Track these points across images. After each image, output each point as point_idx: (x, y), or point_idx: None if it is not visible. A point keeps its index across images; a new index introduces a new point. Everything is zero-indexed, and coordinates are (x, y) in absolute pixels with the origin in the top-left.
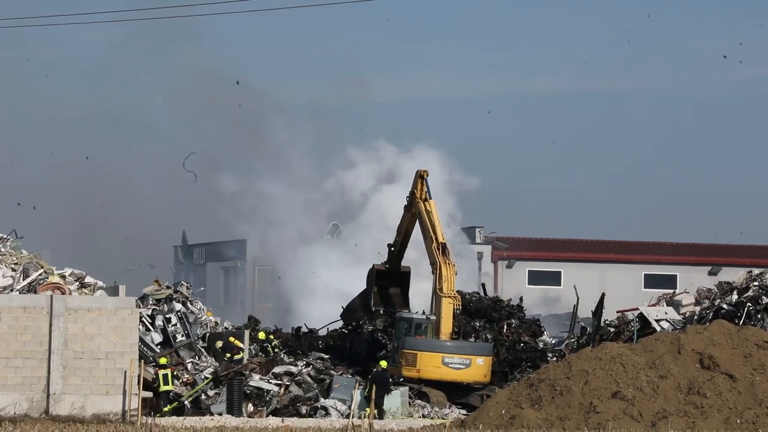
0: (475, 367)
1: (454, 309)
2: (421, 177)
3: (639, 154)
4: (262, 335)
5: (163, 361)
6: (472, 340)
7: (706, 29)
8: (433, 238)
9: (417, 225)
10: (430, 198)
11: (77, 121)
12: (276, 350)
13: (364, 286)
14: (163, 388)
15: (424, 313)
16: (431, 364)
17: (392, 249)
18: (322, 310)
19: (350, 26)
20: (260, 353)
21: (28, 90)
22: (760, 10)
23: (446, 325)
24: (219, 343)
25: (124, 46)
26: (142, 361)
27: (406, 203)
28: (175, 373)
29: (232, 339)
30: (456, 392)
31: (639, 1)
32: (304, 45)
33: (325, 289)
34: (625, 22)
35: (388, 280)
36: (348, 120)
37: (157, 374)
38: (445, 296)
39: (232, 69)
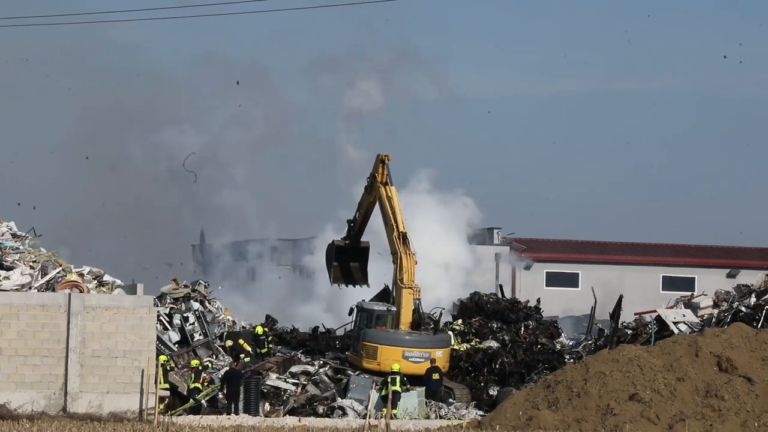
0: (435, 360)
1: (413, 300)
2: (382, 162)
3: (656, 156)
4: (259, 330)
5: (194, 363)
6: (429, 331)
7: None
8: (394, 227)
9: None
10: (391, 184)
11: (77, 121)
12: (271, 346)
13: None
14: (192, 385)
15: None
16: (391, 358)
17: (351, 224)
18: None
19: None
20: (254, 344)
21: (28, 90)
22: (759, 10)
23: (406, 316)
24: (229, 342)
25: (124, 45)
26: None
27: (366, 184)
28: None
29: (241, 341)
30: (415, 384)
31: (639, 1)
32: (304, 45)
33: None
34: (625, 23)
35: (348, 255)
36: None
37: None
38: (405, 287)
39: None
